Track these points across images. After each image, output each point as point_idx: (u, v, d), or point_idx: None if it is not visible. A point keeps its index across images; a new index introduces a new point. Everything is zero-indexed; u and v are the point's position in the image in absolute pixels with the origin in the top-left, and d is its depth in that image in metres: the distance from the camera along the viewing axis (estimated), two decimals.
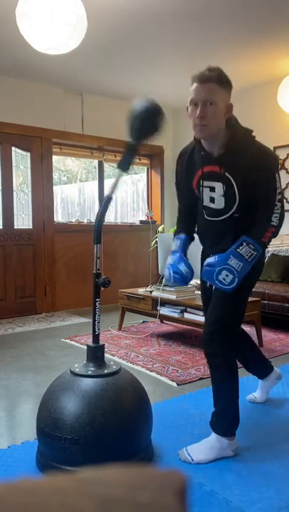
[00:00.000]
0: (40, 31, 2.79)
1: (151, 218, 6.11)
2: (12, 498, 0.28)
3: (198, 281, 4.48)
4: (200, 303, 3.50)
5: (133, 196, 6.55)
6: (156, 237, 4.46)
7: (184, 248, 2.12)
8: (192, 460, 1.85)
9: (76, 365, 1.87)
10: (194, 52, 4.17)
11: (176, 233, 2.20)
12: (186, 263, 2.06)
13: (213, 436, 1.91)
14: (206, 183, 1.93)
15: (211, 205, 1.95)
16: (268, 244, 1.85)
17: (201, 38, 3.88)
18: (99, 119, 5.52)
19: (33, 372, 3.05)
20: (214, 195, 1.92)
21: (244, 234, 1.83)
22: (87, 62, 4.39)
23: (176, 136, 6.23)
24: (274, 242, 4.62)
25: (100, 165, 5.93)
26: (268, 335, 3.94)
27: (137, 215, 6.43)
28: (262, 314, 3.73)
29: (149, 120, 1.77)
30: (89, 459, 1.63)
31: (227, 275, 1.76)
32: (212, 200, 1.93)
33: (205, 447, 1.89)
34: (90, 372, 1.80)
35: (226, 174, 1.85)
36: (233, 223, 1.92)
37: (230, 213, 1.91)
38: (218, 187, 1.89)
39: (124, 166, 1.85)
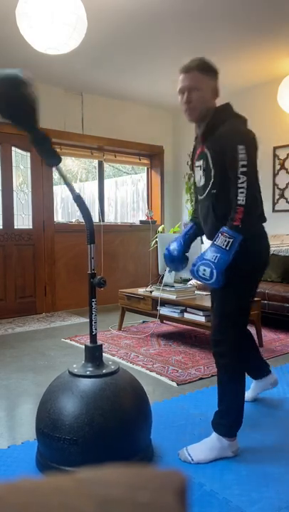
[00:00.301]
0: (40, 31, 2.79)
1: (151, 218, 6.12)
2: (12, 498, 0.28)
3: (198, 282, 4.49)
4: (200, 303, 3.51)
5: (133, 196, 6.55)
6: (156, 237, 4.46)
7: (186, 234, 2.19)
8: (192, 460, 1.85)
9: (74, 365, 1.87)
10: (194, 52, 4.15)
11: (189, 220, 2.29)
12: (180, 245, 2.11)
13: (214, 436, 1.91)
14: (196, 163, 2.02)
15: (199, 184, 2.02)
16: (247, 226, 1.75)
17: (201, 38, 3.88)
18: (99, 119, 5.52)
19: (33, 372, 3.05)
20: (201, 174, 1.99)
21: (223, 213, 1.84)
22: (87, 62, 4.39)
23: (176, 136, 6.23)
24: (274, 242, 4.63)
25: (100, 165, 5.93)
26: (268, 335, 3.94)
27: (137, 215, 6.43)
28: (262, 314, 3.73)
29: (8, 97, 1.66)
30: (88, 460, 1.63)
31: (205, 269, 1.76)
32: (200, 178, 2.00)
33: (205, 447, 1.89)
34: (88, 372, 1.79)
35: (205, 150, 1.93)
36: (212, 200, 1.92)
37: (208, 189, 1.93)
38: (202, 164, 1.96)
39: (51, 159, 1.79)
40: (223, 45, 4.05)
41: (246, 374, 2.46)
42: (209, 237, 2.04)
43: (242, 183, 1.73)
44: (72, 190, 1.84)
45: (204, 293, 3.88)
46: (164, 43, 4.00)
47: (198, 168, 2.00)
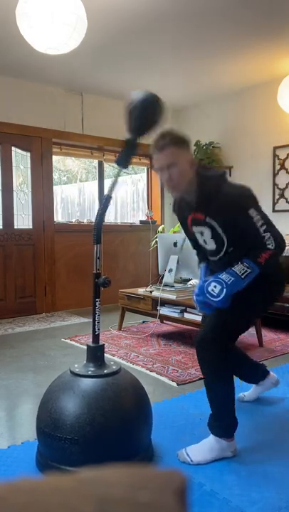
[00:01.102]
0: (40, 31, 2.79)
1: (151, 218, 6.11)
2: (12, 498, 0.28)
3: (198, 281, 4.48)
4: None
5: (133, 196, 6.55)
6: (156, 237, 4.46)
7: (205, 275, 2.19)
8: (191, 461, 1.85)
9: (76, 365, 1.87)
10: (194, 52, 4.17)
11: (199, 263, 2.30)
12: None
13: (212, 437, 1.91)
14: (195, 229, 2.03)
15: (206, 247, 2.04)
16: (269, 267, 1.83)
17: (201, 38, 3.88)
18: (99, 119, 5.52)
19: (33, 372, 3.05)
20: (205, 239, 2.01)
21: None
22: (87, 62, 4.39)
23: None
24: None
25: (100, 165, 5.93)
26: (268, 335, 3.94)
27: (137, 215, 6.43)
28: None
29: (147, 111, 1.80)
30: (89, 459, 1.63)
31: (215, 286, 1.80)
32: (205, 242, 2.03)
33: (204, 448, 1.89)
34: (89, 372, 1.79)
35: (207, 220, 1.93)
36: (231, 256, 1.94)
37: (223, 251, 1.97)
38: (206, 231, 1.97)
39: (123, 162, 1.85)
40: (223, 45, 4.05)
41: (245, 381, 2.46)
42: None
43: (268, 238, 1.80)
44: (110, 190, 1.88)
45: None
46: (164, 43, 4.00)
47: (199, 234, 2.02)
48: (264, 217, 1.83)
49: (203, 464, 1.85)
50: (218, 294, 1.78)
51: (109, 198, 1.86)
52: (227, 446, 1.89)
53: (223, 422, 1.90)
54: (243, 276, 1.78)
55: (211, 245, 2.00)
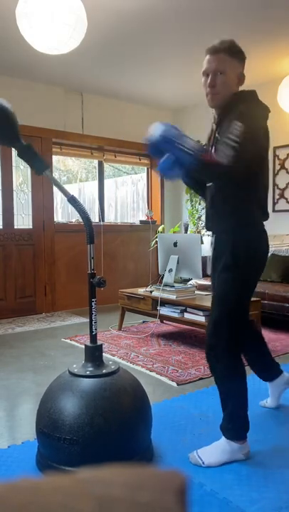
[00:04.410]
0: (40, 31, 2.79)
1: (151, 218, 6.12)
2: (12, 498, 0.28)
3: (198, 282, 4.48)
4: (200, 303, 3.51)
5: (133, 196, 6.54)
6: (156, 237, 4.46)
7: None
8: (203, 463, 1.83)
9: (74, 365, 1.87)
10: (194, 52, 4.17)
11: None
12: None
13: (224, 439, 1.88)
14: (210, 151, 1.91)
15: None
16: (210, 172, 1.68)
17: (201, 38, 3.88)
18: (99, 119, 5.52)
19: (33, 372, 3.05)
20: None
21: (230, 201, 1.79)
22: (87, 62, 4.39)
23: None
24: (274, 242, 4.63)
25: (100, 165, 5.93)
26: (267, 335, 3.94)
27: (137, 215, 6.43)
28: (262, 314, 3.73)
29: None
30: (88, 460, 1.63)
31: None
32: None
33: (216, 450, 1.86)
34: (88, 372, 1.79)
35: (217, 135, 1.84)
36: (220, 185, 1.86)
37: None
38: (212, 150, 1.86)
39: (39, 168, 1.82)
40: None
41: (259, 376, 2.39)
42: (206, 225, 2.04)
43: (232, 150, 1.61)
44: (64, 192, 1.85)
45: (204, 293, 3.88)
46: (163, 43, 4.00)
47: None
48: (248, 136, 1.63)
49: (214, 466, 1.82)
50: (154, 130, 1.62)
51: (73, 198, 1.82)
52: (238, 449, 1.86)
53: (235, 425, 1.88)
54: (178, 146, 1.57)
55: None
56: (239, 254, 1.83)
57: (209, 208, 1.99)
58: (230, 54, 1.80)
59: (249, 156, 1.67)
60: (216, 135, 1.86)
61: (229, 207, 1.87)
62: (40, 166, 1.81)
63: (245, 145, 1.64)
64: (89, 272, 1.89)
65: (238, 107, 1.77)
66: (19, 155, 1.81)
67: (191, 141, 1.63)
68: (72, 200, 1.84)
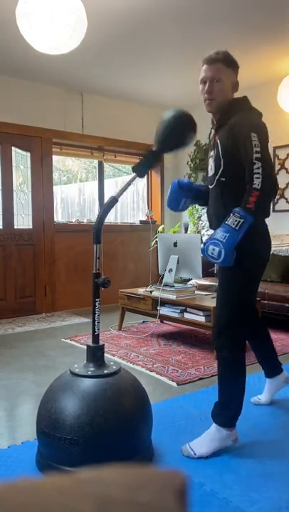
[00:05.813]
0: (40, 31, 2.79)
1: (151, 218, 6.11)
2: (12, 498, 0.28)
3: (198, 282, 4.48)
4: (200, 303, 3.51)
5: (133, 196, 6.54)
6: (156, 237, 4.46)
7: (193, 185, 2.24)
8: (194, 454, 1.88)
9: (76, 365, 1.87)
10: (194, 52, 4.17)
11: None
12: (189, 183, 2.22)
13: (214, 427, 1.93)
14: (210, 154, 2.07)
15: (209, 172, 2.06)
16: (260, 211, 1.78)
17: (201, 38, 3.88)
18: (99, 119, 5.52)
19: (33, 372, 3.05)
20: (211, 163, 2.04)
21: (233, 202, 1.85)
22: (87, 62, 4.39)
23: None
24: (274, 242, 4.62)
25: (100, 165, 5.92)
26: None
27: (137, 215, 6.43)
28: (262, 314, 3.73)
29: (177, 129, 1.89)
30: (88, 460, 1.63)
31: (214, 249, 1.77)
32: (210, 168, 2.05)
33: (206, 439, 1.92)
34: (89, 372, 1.79)
35: (217, 140, 1.97)
36: (221, 188, 1.95)
37: (217, 178, 1.97)
38: (214, 154, 2.00)
39: (140, 171, 1.89)
40: (223, 45, 4.01)
41: (261, 371, 2.49)
42: (211, 225, 2.10)
43: (257, 168, 1.75)
44: (120, 194, 1.91)
45: (204, 293, 3.88)
46: (163, 43, 4.00)
47: (211, 158, 2.04)
48: (264, 151, 1.78)
49: (205, 456, 1.88)
50: (218, 255, 1.76)
51: (114, 200, 1.87)
52: (227, 436, 1.92)
53: (229, 412, 1.93)
54: (237, 228, 1.74)
55: (211, 170, 2.02)
56: (243, 251, 1.87)
57: (212, 209, 2.07)
58: (225, 64, 1.97)
59: (269, 157, 1.82)
60: (216, 140, 1.98)
61: (232, 206, 1.91)
62: (145, 170, 1.95)
63: (265, 161, 1.79)
64: (94, 271, 1.89)
65: (236, 113, 1.93)
66: (151, 157, 1.92)
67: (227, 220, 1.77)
68: (111, 201, 1.87)
